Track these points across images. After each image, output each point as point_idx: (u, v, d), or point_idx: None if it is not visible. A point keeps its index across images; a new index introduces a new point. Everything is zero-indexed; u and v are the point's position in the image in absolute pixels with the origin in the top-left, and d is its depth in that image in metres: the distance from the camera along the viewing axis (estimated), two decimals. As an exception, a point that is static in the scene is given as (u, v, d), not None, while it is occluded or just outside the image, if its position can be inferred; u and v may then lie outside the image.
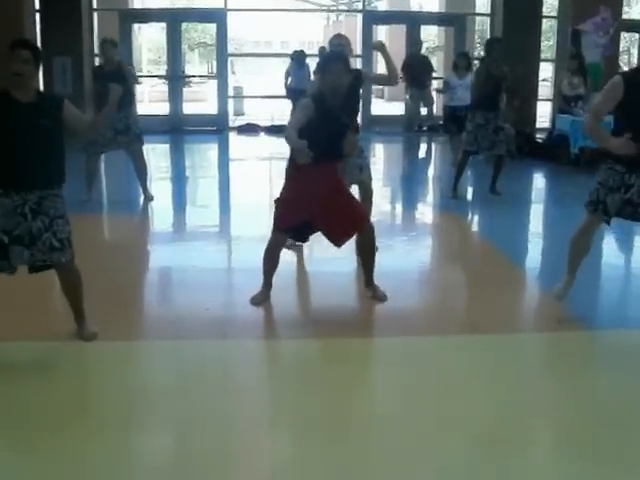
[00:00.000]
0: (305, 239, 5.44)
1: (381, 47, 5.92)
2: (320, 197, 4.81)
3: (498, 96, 8.55)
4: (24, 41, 4.27)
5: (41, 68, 4.26)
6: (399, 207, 9.33)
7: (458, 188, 8.88)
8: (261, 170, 11.69)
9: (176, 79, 15.90)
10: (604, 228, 4.70)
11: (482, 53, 9.67)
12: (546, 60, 16.21)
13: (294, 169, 4.82)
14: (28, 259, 4.12)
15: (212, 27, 16.61)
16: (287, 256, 6.02)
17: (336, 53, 5.37)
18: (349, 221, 4.95)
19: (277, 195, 5.02)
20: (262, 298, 5.08)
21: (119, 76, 7.81)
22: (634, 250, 7.07)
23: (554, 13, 15.14)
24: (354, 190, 6.08)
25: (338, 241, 5.02)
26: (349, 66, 5.02)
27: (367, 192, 6.18)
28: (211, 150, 14.16)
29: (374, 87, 15.05)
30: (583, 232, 4.69)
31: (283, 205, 4.96)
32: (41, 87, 11.98)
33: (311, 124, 4.70)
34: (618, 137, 4.32)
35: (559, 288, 4.85)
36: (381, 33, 21.46)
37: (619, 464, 3.26)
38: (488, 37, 14.49)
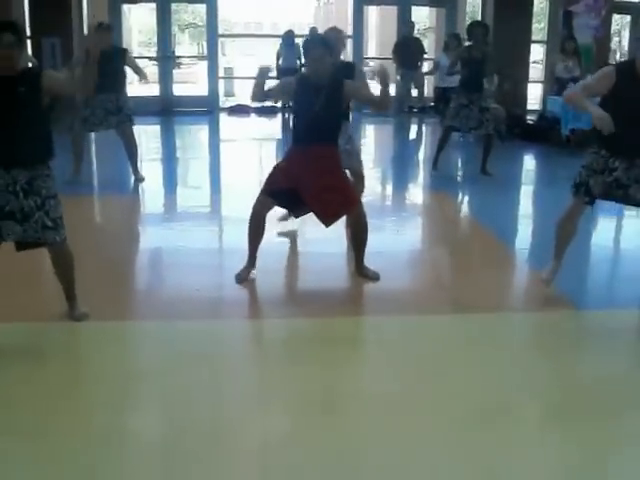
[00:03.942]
0: (293, 211, 5.44)
1: (383, 74, 4.86)
2: (312, 175, 4.87)
3: (481, 78, 8.67)
4: (7, 24, 3.98)
5: (29, 48, 4.17)
6: (390, 188, 9.33)
7: (439, 163, 9.06)
8: (251, 151, 11.66)
9: (166, 60, 15.81)
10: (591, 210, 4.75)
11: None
12: (537, 42, 16.16)
13: (292, 147, 5.08)
14: (21, 235, 4.08)
15: (202, 8, 16.50)
16: (279, 236, 6.07)
17: (315, 38, 5.29)
18: (339, 202, 4.98)
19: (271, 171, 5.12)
20: (246, 275, 5.11)
21: (113, 56, 7.77)
22: (622, 231, 7.10)
23: (545, -6, 15.10)
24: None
25: (327, 220, 5.04)
26: (329, 47, 4.95)
27: (358, 178, 6.18)
28: (202, 131, 14.10)
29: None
30: (568, 216, 4.75)
31: (275, 169, 5.08)
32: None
33: (298, 104, 4.92)
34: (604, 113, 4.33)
35: (547, 273, 4.88)
36: (372, 14, 21.40)
37: (606, 437, 3.32)
38: (478, 19, 14.43)
